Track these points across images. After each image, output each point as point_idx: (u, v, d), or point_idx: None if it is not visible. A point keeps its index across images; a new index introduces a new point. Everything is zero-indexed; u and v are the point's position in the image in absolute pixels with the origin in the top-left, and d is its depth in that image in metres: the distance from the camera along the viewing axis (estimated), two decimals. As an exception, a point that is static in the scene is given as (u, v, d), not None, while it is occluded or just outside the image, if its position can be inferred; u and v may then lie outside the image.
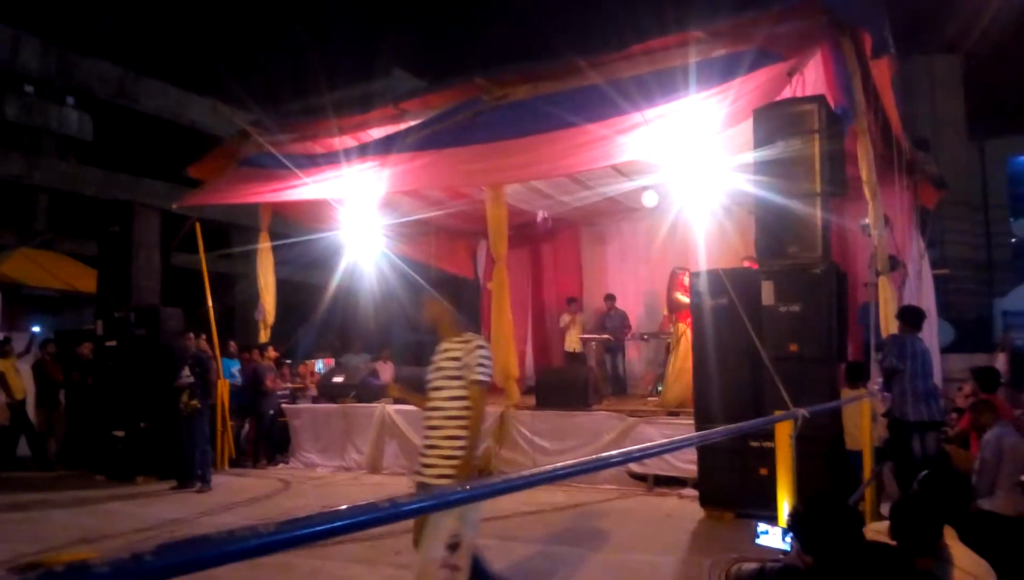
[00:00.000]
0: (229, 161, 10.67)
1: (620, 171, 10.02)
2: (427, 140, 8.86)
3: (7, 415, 10.49)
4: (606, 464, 2.05)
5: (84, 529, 6.74)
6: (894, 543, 2.71)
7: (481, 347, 3.77)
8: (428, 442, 3.78)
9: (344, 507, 1.18)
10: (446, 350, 3.82)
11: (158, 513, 7.50)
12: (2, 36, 18.18)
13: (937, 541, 2.65)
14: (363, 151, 9.33)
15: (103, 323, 9.85)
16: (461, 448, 3.67)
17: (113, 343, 9.69)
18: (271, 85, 22.00)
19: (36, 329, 12.23)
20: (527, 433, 8.66)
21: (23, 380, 10.72)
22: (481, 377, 3.72)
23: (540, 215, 11.77)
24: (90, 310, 10.48)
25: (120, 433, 9.38)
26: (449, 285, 4.07)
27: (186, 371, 8.81)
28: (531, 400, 9.35)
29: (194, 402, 8.76)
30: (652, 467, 7.81)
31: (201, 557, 0.92)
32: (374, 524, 1.23)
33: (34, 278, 11.10)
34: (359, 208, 10.06)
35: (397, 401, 4.37)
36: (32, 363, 10.96)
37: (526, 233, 12.46)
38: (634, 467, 7.87)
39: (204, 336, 9.51)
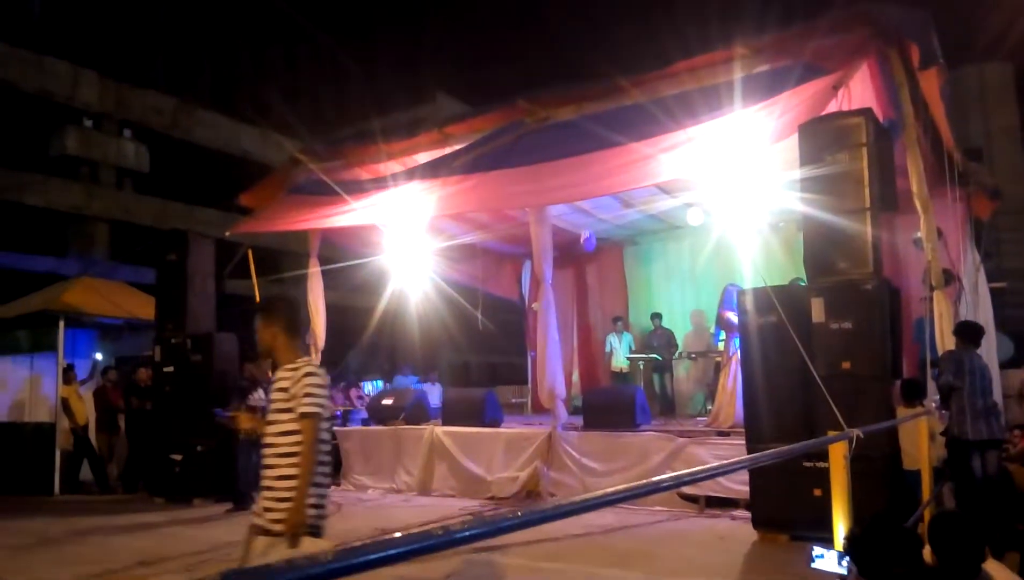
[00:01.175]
0: (279, 188, 10.93)
1: (664, 189, 10.00)
2: (471, 163, 8.96)
3: (70, 440, 10.84)
4: (657, 489, 2.05)
5: (143, 552, 6.89)
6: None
7: (310, 374, 3.36)
8: (264, 483, 3.40)
9: (398, 535, 1.22)
10: (278, 379, 3.44)
11: (215, 536, 7.64)
12: (62, 71, 18.95)
13: (979, 562, 2.56)
14: (409, 176, 9.47)
15: (161, 349, 10.13)
16: (294, 489, 3.26)
17: (170, 369, 9.95)
18: (319, 113, 22.50)
19: (99, 356, 12.63)
20: (575, 454, 8.63)
21: (85, 406, 11.07)
22: (309, 409, 3.29)
23: (584, 235, 11.80)
24: (149, 336, 10.78)
25: (177, 457, 9.61)
26: (283, 306, 3.61)
27: (260, 393, 8.86)
28: (579, 421, 9.32)
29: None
30: (703, 488, 7.70)
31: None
32: (428, 551, 1.28)
33: (96, 306, 11.45)
34: (406, 232, 10.21)
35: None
36: (93, 389, 11.31)
37: (570, 253, 12.49)
38: (685, 488, 7.77)
39: (255, 361, 9.69)
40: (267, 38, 24.88)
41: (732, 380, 8.88)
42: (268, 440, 3.41)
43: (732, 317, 9.10)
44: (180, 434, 9.68)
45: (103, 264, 18.08)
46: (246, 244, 10.79)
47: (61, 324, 10.96)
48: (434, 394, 12.31)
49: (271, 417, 3.41)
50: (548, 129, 8.79)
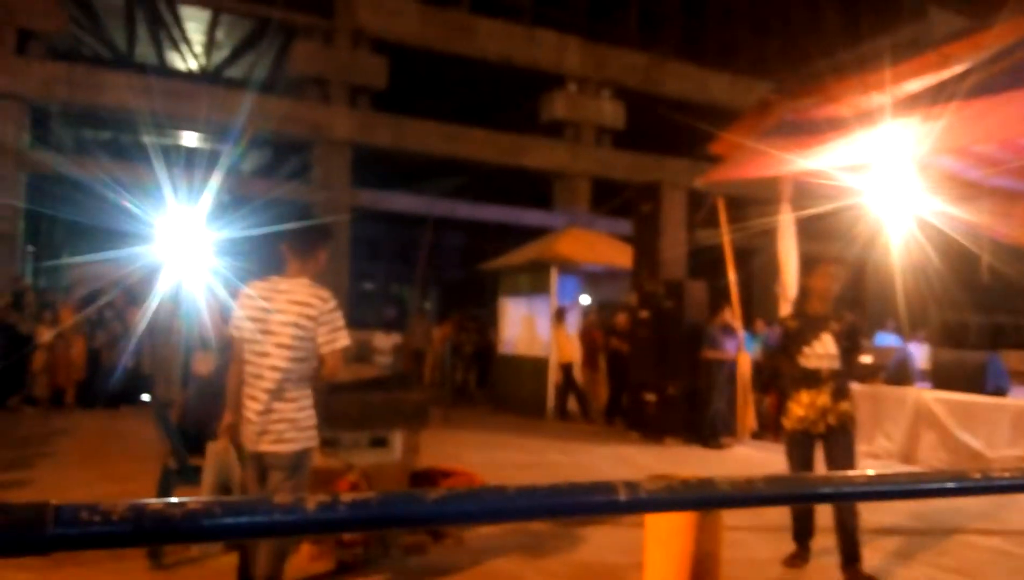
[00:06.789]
0: (750, 133, 10.61)
1: None
2: (978, 87, 7.63)
3: (560, 374, 12.20)
4: None
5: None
6: None
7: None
8: None
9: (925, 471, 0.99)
10: None
11: (682, 473, 7.89)
12: (550, 41, 21.05)
13: None
14: (899, 107, 8.43)
15: (637, 295, 10.72)
16: None
17: (645, 314, 10.47)
18: (790, 49, 21.46)
19: (583, 299, 13.97)
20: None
21: (573, 344, 12.33)
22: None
23: None
24: (626, 283, 11.50)
25: (651, 397, 10.12)
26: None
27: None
28: None
29: None
30: None
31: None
32: (965, 494, 1.15)
33: (581, 255, 12.62)
34: (890, 172, 9.15)
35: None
36: (580, 330, 12.54)
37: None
38: None
39: (728, 309, 9.69)
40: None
41: None
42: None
43: None
44: (654, 376, 10.17)
45: (585, 216, 19.89)
46: (716, 194, 10.77)
47: (553, 271, 12.33)
48: (921, 355, 11.10)
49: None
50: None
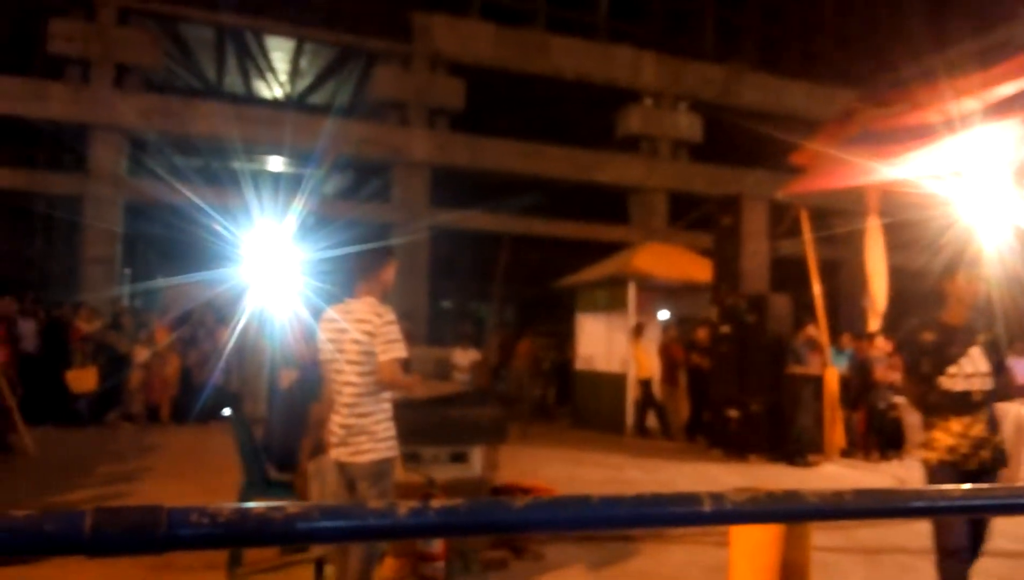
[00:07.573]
0: (833, 142, 10.34)
1: None
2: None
3: (638, 389, 12.06)
4: None
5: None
6: None
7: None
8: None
9: None
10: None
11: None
12: (626, 58, 21.01)
13: None
14: (992, 112, 8.07)
15: (717, 310, 10.53)
16: None
17: (726, 329, 10.27)
18: (872, 56, 20.84)
19: (661, 314, 13.79)
20: None
21: (651, 360, 12.18)
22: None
23: None
24: (706, 297, 11.30)
25: (734, 413, 9.91)
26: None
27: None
28: None
29: None
30: None
31: None
32: None
33: (659, 270, 12.48)
34: (984, 179, 8.76)
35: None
36: (659, 345, 12.38)
37: None
38: None
39: (813, 323, 9.41)
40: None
41: None
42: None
43: None
44: (736, 392, 9.96)
45: (662, 230, 19.67)
46: (798, 204, 10.50)
47: (631, 286, 12.22)
48: (1020, 370, 10.52)
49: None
50: None
